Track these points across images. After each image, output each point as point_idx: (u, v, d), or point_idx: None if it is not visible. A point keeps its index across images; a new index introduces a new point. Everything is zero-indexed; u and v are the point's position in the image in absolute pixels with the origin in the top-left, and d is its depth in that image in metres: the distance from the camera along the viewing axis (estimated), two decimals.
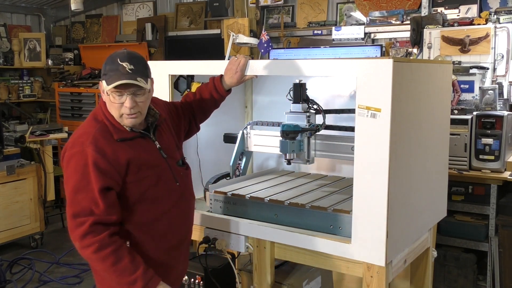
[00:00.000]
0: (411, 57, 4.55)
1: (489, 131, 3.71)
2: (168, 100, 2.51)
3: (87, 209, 1.83)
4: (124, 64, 1.87)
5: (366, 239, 2.00)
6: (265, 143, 2.71)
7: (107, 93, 1.89)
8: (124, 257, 1.83)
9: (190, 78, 2.65)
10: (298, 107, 2.45)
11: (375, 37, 5.09)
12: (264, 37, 5.05)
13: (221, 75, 2.33)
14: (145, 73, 1.92)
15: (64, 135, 5.48)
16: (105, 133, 1.91)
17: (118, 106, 1.89)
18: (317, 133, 2.45)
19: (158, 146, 2.02)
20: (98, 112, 1.98)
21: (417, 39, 4.48)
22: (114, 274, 1.84)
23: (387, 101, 1.92)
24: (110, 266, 1.82)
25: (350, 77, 2.27)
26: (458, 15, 4.57)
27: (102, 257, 1.82)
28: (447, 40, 4.31)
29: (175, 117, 2.26)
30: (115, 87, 1.85)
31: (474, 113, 3.82)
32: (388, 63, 1.91)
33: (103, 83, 1.89)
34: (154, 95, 2.14)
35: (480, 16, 4.35)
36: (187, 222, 2.15)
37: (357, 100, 1.99)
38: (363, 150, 2.00)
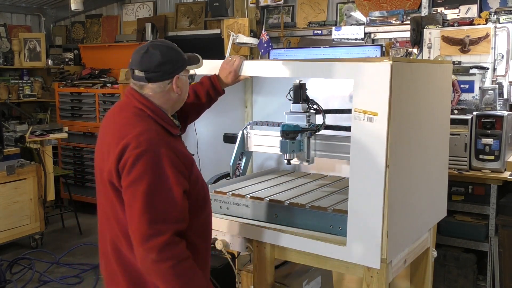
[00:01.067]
0: (411, 57, 4.55)
1: (489, 131, 3.71)
2: None
3: (166, 215, 1.67)
4: (181, 51, 1.92)
5: (363, 242, 2.00)
6: (265, 143, 2.71)
7: (179, 79, 1.87)
8: (197, 272, 1.71)
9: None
10: (298, 107, 2.45)
11: (375, 37, 5.09)
12: (264, 37, 5.05)
13: (217, 74, 2.33)
14: None
15: (64, 135, 5.48)
16: (164, 130, 1.82)
17: (187, 86, 1.94)
18: (317, 133, 2.45)
19: (185, 145, 1.98)
20: (140, 112, 1.83)
21: (417, 39, 4.48)
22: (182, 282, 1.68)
23: (384, 105, 1.90)
24: (185, 282, 1.68)
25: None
26: (458, 15, 4.58)
27: (179, 273, 1.67)
28: (447, 40, 4.31)
29: None
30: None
31: (474, 113, 3.82)
32: (386, 66, 1.89)
33: (189, 68, 1.92)
34: None
35: (480, 16, 4.35)
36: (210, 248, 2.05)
37: (354, 103, 1.97)
38: (359, 155, 1.97)
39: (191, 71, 1.98)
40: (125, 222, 1.74)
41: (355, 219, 2.01)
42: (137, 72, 1.84)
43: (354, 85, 1.97)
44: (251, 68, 2.30)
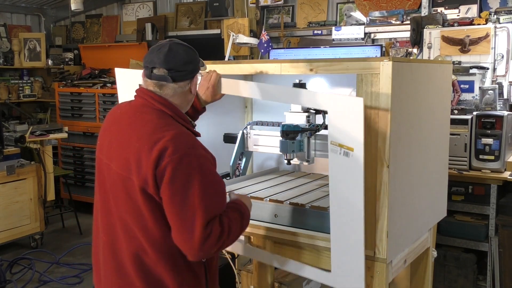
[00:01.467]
0: (411, 57, 4.55)
1: (489, 131, 3.71)
2: None
3: (218, 211, 1.72)
4: None
5: (346, 275, 1.99)
6: (265, 143, 2.71)
7: (195, 80, 1.88)
8: (232, 217, 1.78)
9: None
10: (298, 107, 2.45)
11: (375, 37, 5.09)
12: (264, 37, 5.05)
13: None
14: None
15: (64, 135, 5.48)
16: (190, 130, 1.83)
17: (196, 86, 1.94)
18: (317, 133, 2.45)
19: None
20: (162, 108, 1.79)
21: (417, 39, 4.48)
22: (238, 231, 1.82)
23: (360, 140, 1.83)
24: (236, 231, 1.79)
25: (350, 76, 2.26)
26: (458, 15, 4.58)
27: (230, 235, 1.74)
28: (447, 40, 4.31)
29: None
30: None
31: (474, 113, 3.82)
32: (358, 101, 1.82)
33: (201, 69, 1.93)
34: None
35: (480, 16, 4.36)
36: None
37: (329, 136, 1.91)
38: (337, 189, 1.94)
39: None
40: (156, 231, 1.70)
41: (337, 252, 2.00)
42: (157, 71, 1.78)
43: (330, 117, 1.92)
44: (225, 86, 2.21)
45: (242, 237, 2.34)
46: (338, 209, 1.95)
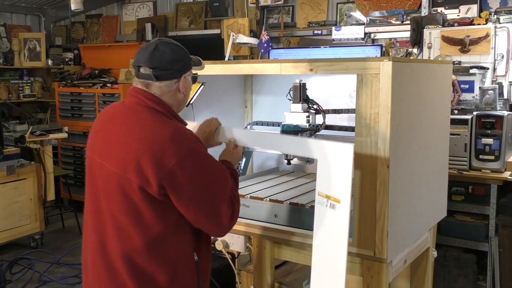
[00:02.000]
0: (411, 57, 4.55)
1: (489, 131, 3.71)
2: None
3: (230, 186, 1.83)
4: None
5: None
6: None
7: (185, 79, 1.85)
8: (234, 186, 1.87)
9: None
10: (298, 107, 2.45)
11: (375, 37, 5.09)
12: (264, 37, 5.05)
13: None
14: None
15: (64, 135, 5.48)
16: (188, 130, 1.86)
17: (188, 89, 1.91)
18: (317, 133, 2.45)
19: None
20: (161, 109, 1.80)
21: (417, 39, 4.48)
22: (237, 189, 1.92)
23: (347, 191, 1.80)
24: (238, 195, 1.89)
25: (349, 76, 2.27)
26: (458, 15, 4.58)
27: (238, 200, 1.87)
28: (447, 40, 4.31)
29: None
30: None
31: (474, 113, 3.82)
32: (348, 148, 1.80)
33: (194, 68, 1.90)
34: None
35: (480, 16, 4.35)
36: None
37: (317, 186, 1.88)
38: (320, 244, 1.89)
39: (194, 73, 1.96)
40: (154, 229, 1.71)
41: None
42: (143, 70, 1.78)
43: (318, 165, 1.89)
44: (222, 135, 2.18)
45: (242, 237, 2.34)
46: (319, 267, 1.90)
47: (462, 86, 4.22)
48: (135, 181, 1.68)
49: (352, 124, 2.18)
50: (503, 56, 4.18)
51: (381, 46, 4.80)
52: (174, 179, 1.65)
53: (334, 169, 1.83)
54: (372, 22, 5.07)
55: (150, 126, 1.73)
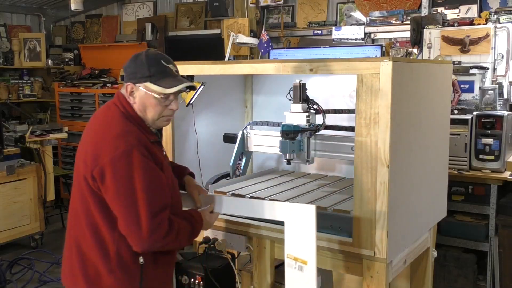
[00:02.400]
0: (411, 57, 4.55)
1: (489, 131, 3.71)
2: None
3: (163, 204, 1.80)
4: (170, 66, 1.88)
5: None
6: (265, 143, 2.71)
7: (154, 96, 1.84)
8: (182, 226, 1.86)
9: (190, 78, 2.65)
10: (298, 107, 2.45)
11: (375, 37, 5.09)
12: (264, 37, 5.05)
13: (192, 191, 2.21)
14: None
15: (64, 135, 5.48)
16: (141, 133, 1.85)
17: (162, 108, 1.87)
18: (317, 133, 2.45)
19: (164, 153, 2.02)
20: (125, 111, 1.88)
21: (417, 39, 4.48)
22: (185, 241, 1.91)
23: (312, 252, 1.82)
24: (183, 239, 1.88)
25: (349, 76, 2.27)
26: (458, 15, 4.58)
27: (177, 238, 1.84)
28: (447, 40, 4.31)
29: None
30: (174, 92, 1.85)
31: (474, 113, 3.82)
32: (310, 209, 1.87)
33: (151, 86, 1.83)
34: None
35: (480, 16, 4.35)
36: None
37: (285, 248, 1.94)
38: None
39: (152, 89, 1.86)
40: (96, 216, 1.82)
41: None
42: None
43: (285, 227, 1.96)
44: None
45: (242, 237, 2.34)
46: None
47: (462, 86, 4.22)
48: (82, 169, 1.83)
49: (352, 124, 2.18)
50: (503, 56, 4.18)
51: (381, 46, 4.79)
52: (104, 175, 1.75)
53: (299, 230, 1.89)
54: (372, 22, 5.07)
55: (105, 122, 1.86)
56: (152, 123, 1.91)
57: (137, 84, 1.85)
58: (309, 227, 1.85)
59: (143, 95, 1.86)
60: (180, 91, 1.89)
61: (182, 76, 1.98)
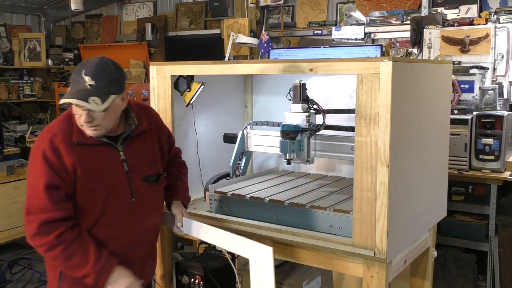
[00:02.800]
0: (411, 57, 4.55)
1: (489, 131, 3.71)
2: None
3: (37, 206, 1.83)
4: (86, 78, 1.81)
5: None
6: (265, 143, 2.71)
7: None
8: (74, 253, 1.84)
9: (190, 78, 2.66)
10: (298, 107, 2.44)
11: (375, 37, 5.09)
12: (264, 37, 5.05)
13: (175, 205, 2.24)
14: (108, 90, 1.82)
15: None
16: (66, 133, 1.87)
17: (77, 117, 1.85)
18: (317, 133, 2.45)
19: (122, 157, 1.95)
20: (68, 114, 1.95)
21: (417, 39, 4.48)
22: (66, 270, 1.90)
23: None
24: (61, 264, 1.88)
25: (349, 76, 2.27)
26: (458, 15, 4.58)
27: (53, 256, 1.88)
28: (447, 40, 4.31)
29: (163, 140, 2.21)
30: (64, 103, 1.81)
31: (474, 113, 3.82)
32: (267, 250, 1.93)
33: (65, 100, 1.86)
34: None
35: (480, 16, 4.35)
36: (140, 241, 2.07)
37: (251, 285, 1.99)
38: None
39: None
40: None
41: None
42: None
43: (250, 264, 2.00)
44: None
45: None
46: None
47: (462, 86, 4.22)
48: None
49: (352, 124, 2.18)
50: (503, 56, 4.18)
51: (381, 46, 4.79)
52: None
53: (260, 269, 1.95)
54: (372, 22, 5.07)
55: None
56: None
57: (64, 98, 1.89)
58: (267, 268, 1.92)
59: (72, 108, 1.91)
60: (70, 104, 1.85)
61: (99, 89, 1.83)
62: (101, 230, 1.94)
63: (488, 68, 4.18)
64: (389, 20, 4.98)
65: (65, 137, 1.86)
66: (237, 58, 5.78)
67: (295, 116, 2.45)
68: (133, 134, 2.00)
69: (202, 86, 2.66)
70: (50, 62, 7.19)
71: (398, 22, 4.93)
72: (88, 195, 1.89)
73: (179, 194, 2.27)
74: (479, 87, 4.14)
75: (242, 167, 2.84)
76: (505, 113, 3.75)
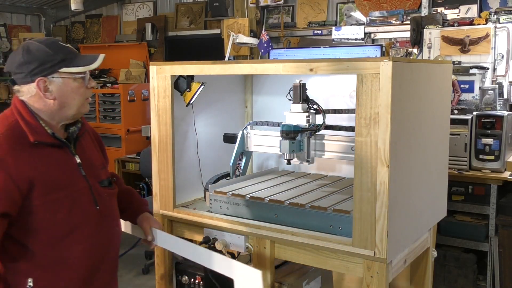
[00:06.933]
0: (411, 57, 4.55)
1: (489, 131, 3.71)
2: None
3: None
4: (69, 46, 1.72)
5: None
6: (265, 143, 2.71)
7: (73, 79, 1.69)
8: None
9: (190, 78, 2.66)
10: (298, 107, 2.44)
11: (375, 37, 5.10)
12: (264, 37, 5.05)
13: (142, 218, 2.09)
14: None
15: None
16: (15, 138, 1.62)
17: (85, 89, 1.72)
18: (317, 133, 2.45)
19: (78, 161, 1.75)
20: (8, 114, 1.70)
21: (417, 39, 4.48)
22: None
23: None
24: None
25: (349, 76, 2.27)
26: (458, 15, 4.58)
27: None
28: (447, 40, 4.31)
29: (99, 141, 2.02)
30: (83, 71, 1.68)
31: (474, 113, 3.82)
32: (257, 274, 1.90)
33: (68, 69, 1.67)
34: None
35: (480, 16, 4.36)
36: (109, 250, 1.88)
37: None
38: None
39: (74, 71, 1.71)
40: None
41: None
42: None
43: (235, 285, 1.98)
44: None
45: (242, 237, 2.34)
46: None
47: (462, 86, 4.22)
48: None
49: (352, 124, 2.18)
50: (503, 56, 4.18)
51: (381, 46, 4.80)
52: None
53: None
54: (372, 22, 5.07)
55: None
56: (76, 112, 1.74)
57: (49, 76, 1.66)
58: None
59: (61, 84, 1.68)
60: (82, 76, 1.73)
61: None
62: (65, 251, 1.68)
63: (488, 68, 4.18)
64: (389, 20, 4.98)
65: (13, 142, 1.60)
66: (237, 58, 5.78)
67: (295, 116, 2.45)
68: (81, 133, 1.82)
69: (202, 86, 2.66)
70: None
71: (398, 22, 4.93)
72: (49, 210, 1.64)
73: (136, 201, 2.10)
74: (479, 87, 4.14)
75: (242, 167, 2.84)
76: (505, 113, 3.75)
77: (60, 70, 1.68)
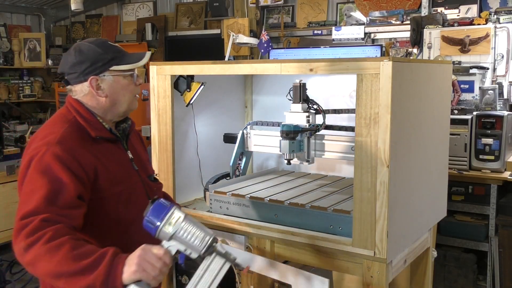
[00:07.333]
0: (411, 57, 4.55)
1: (489, 131, 3.71)
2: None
3: (30, 210, 1.64)
4: (117, 45, 1.80)
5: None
6: (265, 143, 2.71)
7: (123, 77, 1.75)
8: (82, 244, 1.52)
9: (190, 78, 2.66)
10: (298, 107, 2.44)
11: (375, 37, 5.10)
12: (264, 37, 5.05)
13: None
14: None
15: None
16: (77, 132, 1.69)
17: (134, 86, 1.79)
18: (317, 133, 2.45)
19: (130, 156, 1.83)
20: (65, 112, 1.77)
21: (417, 39, 4.48)
22: (71, 261, 1.49)
23: None
24: (67, 252, 1.50)
25: (349, 76, 2.27)
26: (458, 15, 4.58)
27: (57, 245, 1.53)
28: (447, 40, 4.31)
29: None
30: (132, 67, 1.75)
31: (474, 113, 3.82)
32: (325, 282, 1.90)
33: (118, 67, 1.73)
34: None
35: (480, 16, 4.36)
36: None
37: None
38: None
39: (123, 69, 1.76)
40: None
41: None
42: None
43: None
44: None
45: (242, 237, 2.34)
46: None
47: (462, 86, 4.22)
48: None
49: (352, 124, 2.18)
50: (503, 56, 4.18)
51: (381, 46, 4.79)
52: (20, 174, 1.67)
53: None
54: (372, 22, 5.07)
55: (42, 127, 1.76)
56: (127, 109, 1.80)
57: (101, 75, 1.73)
58: None
59: (112, 82, 1.75)
60: (131, 73, 1.79)
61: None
62: (125, 245, 1.63)
63: (488, 68, 4.18)
64: (389, 20, 4.98)
65: (78, 137, 1.68)
66: (237, 58, 5.78)
67: (295, 116, 2.44)
68: (130, 130, 1.90)
69: (202, 86, 2.66)
70: (50, 62, 7.19)
71: (398, 22, 4.93)
72: (109, 204, 1.70)
73: (173, 202, 2.08)
74: (479, 87, 4.14)
75: (242, 167, 2.84)
76: (505, 113, 3.75)
77: (111, 68, 1.74)
